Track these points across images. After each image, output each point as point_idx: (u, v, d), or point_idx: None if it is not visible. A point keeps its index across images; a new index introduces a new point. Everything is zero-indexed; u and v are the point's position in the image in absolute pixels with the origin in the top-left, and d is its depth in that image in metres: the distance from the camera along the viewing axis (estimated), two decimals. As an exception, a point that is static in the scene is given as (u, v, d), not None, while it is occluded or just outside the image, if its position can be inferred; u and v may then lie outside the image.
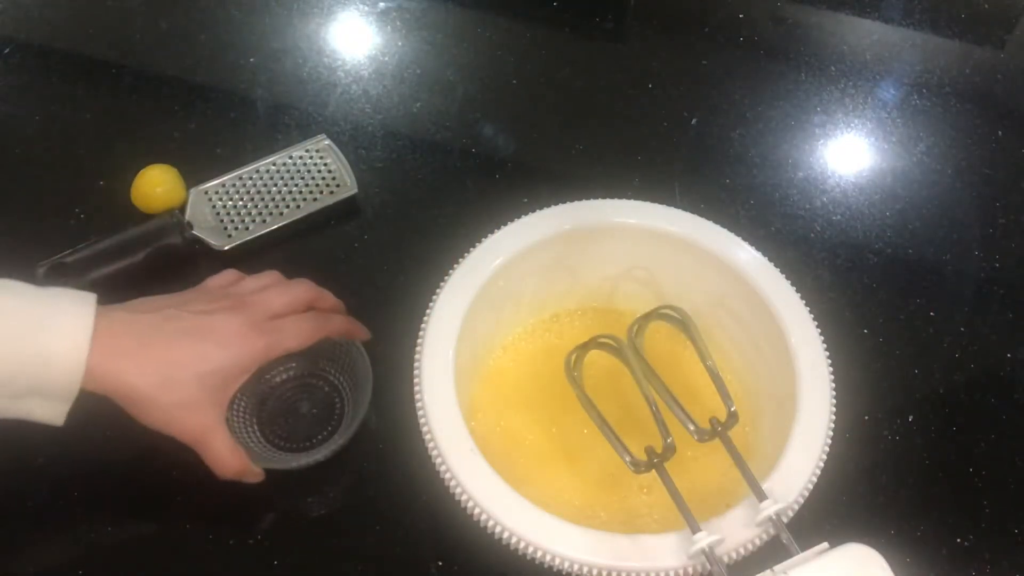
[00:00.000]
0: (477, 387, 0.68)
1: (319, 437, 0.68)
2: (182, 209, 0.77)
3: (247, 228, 0.77)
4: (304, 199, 0.79)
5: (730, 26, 1.01)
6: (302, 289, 0.64)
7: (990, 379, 0.75)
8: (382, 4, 1.01)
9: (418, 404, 0.58)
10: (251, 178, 0.80)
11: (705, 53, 0.99)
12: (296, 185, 0.80)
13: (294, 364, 0.70)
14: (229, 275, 0.65)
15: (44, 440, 0.68)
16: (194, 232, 0.76)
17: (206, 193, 0.78)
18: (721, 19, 1.02)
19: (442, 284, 0.63)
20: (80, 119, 0.89)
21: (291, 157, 0.81)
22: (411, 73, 0.94)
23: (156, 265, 0.74)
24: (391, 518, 0.66)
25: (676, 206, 0.68)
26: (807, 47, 1.00)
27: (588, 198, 0.68)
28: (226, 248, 0.76)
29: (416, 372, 0.59)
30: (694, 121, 0.92)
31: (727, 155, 0.89)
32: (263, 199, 0.79)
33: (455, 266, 0.64)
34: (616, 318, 0.73)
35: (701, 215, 0.67)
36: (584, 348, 0.61)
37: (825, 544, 0.50)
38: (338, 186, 0.80)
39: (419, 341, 0.61)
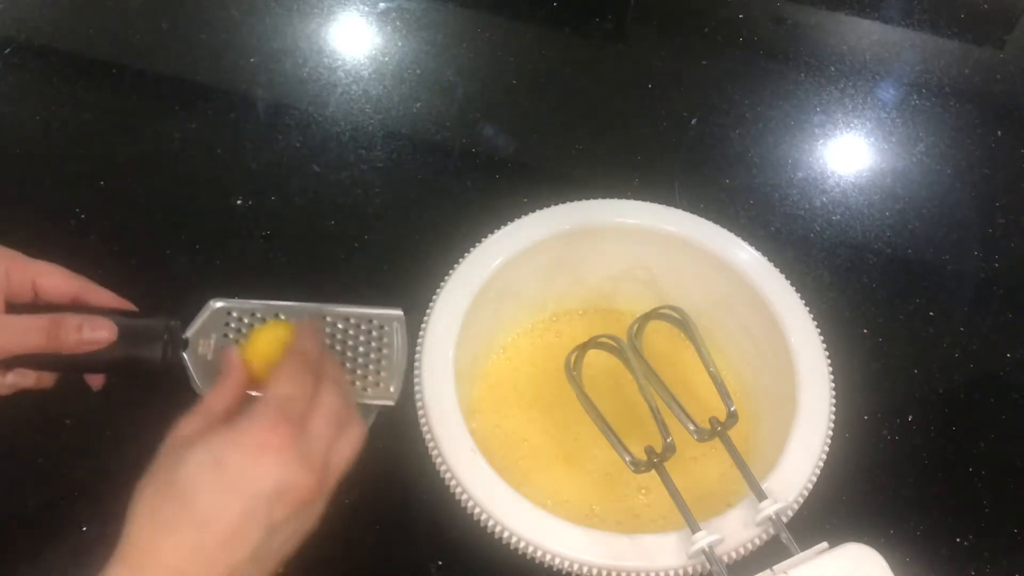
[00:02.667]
0: (477, 387, 0.68)
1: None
2: (183, 320, 0.56)
3: None
4: None
5: (730, 26, 1.01)
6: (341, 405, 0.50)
7: (990, 379, 0.75)
8: (382, 4, 1.01)
9: (418, 404, 0.58)
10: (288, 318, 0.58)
11: (705, 53, 0.99)
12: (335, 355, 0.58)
13: None
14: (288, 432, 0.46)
15: (44, 440, 0.69)
16: (183, 355, 0.55)
17: (229, 314, 0.57)
18: (721, 19, 1.02)
19: (442, 284, 0.63)
20: (80, 119, 0.88)
21: (348, 320, 0.59)
22: (411, 73, 0.94)
23: (111, 369, 0.56)
24: (391, 518, 0.66)
25: (676, 206, 0.68)
26: (807, 47, 1.00)
27: (588, 198, 0.68)
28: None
29: (416, 372, 0.59)
30: (694, 121, 0.92)
31: (727, 155, 0.89)
32: None
33: (455, 266, 0.64)
34: (616, 318, 0.73)
35: (701, 215, 0.67)
36: (584, 348, 0.61)
37: (825, 544, 0.50)
38: (378, 385, 0.58)
39: (419, 341, 0.61)
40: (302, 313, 0.58)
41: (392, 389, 0.57)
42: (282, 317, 0.58)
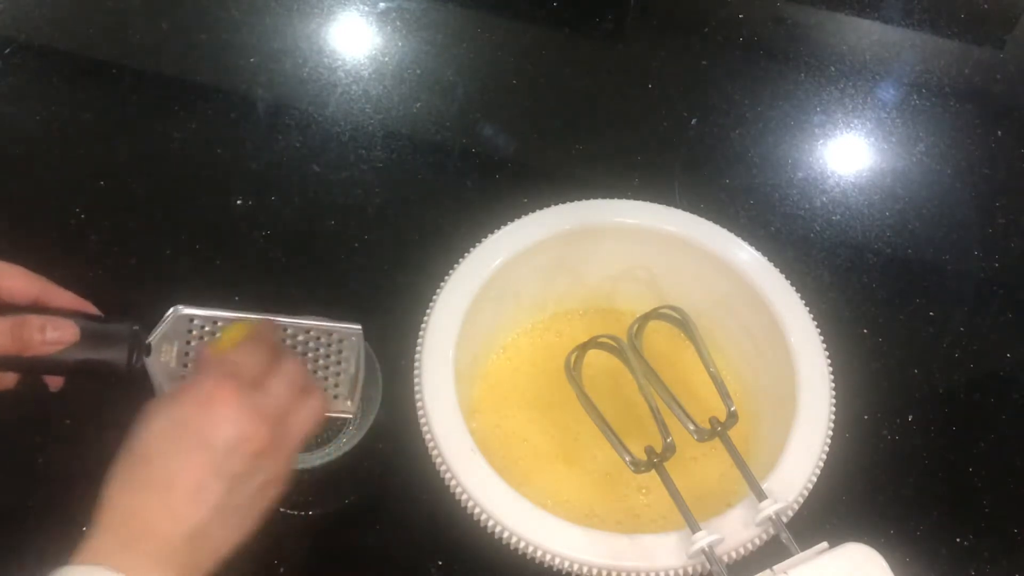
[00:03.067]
0: (477, 387, 0.68)
1: (323, 436, 0.68)
2: (147, 326, 0.56)
3: None
4: None
5: (730, 26, 1.01)
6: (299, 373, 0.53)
7: (990, 379, 0.75)
8: (382, 4, 1.01)
9: (418, 404, 0.58)
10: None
11: (705, 53, 0.99)
12: None
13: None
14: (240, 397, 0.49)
15: (44, 440, 0.69)
16: (145, 361, 0.55)
17: (191, 320, 0.57)
18: (721, 19, 1.02)
19: (442, 284, 0.63)
20: (80, 119, 0.88)
21: (308, 332, 0.59)
22: (411, 73, 0.94)
23: (76, 372, 0.55)
24: (391, 518, 0.66)
25: (676, 206, 0.68)
26: (807, 47, 1.00)
27: (588, 198, 0.68)
28: None
29: (416, 372, 0.59)
30: (694, 121, 0.92)
31: (727, 155, 0.89)
32: None
33: (455, 266, 0.64)
34: (616, 318, 0.73)
35: (701, 215, 0.67)
36: (584, 348, 0.61)
37: (825, 544, 0.50)
38: (336, 398, 0.59)
39: (419, 341, 0.61)
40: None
41: (349, 402, 0.59)
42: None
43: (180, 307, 0.57)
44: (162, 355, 0.56)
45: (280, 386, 0.50)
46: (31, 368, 0.54)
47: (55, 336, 0.52)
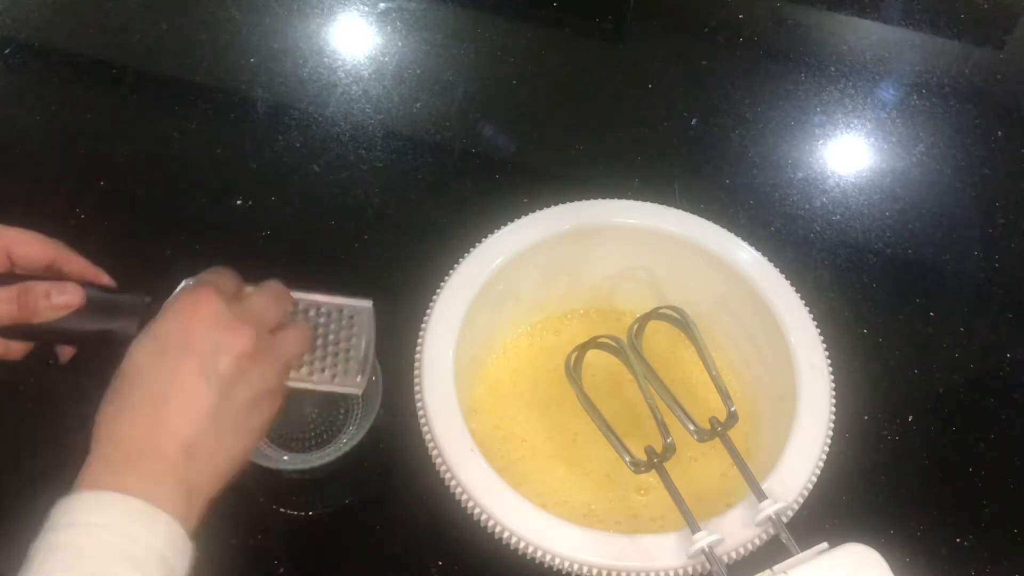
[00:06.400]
0: (477, 387, 0.68)
1: (323, 437, 0.68)
2: (156, 295, 0.55)
3: None
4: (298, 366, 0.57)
5: (730, 26, 1.01)
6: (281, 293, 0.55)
7: (990, 379, 0.75)
8: (382, 4, 1.01)
9: (418, 404, 0.58)
10: None
11: (705, 53, 0.99)
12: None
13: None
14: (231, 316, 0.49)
15: (44, 440, 0.69)
16: None
17: None
18: (721, 19, 1.02)
19: (442, 284, 0.63)
20: (80, 119, 0.88)
21: (319, 307, 0.59)
22: (411, 73, 0.94)
23: (91, 344, 0.55)
24: (391, 518, 0.66)
25: (676, 206, 0.68)
26: (807, 47, 1.00)
27: (588, 198, 0.68)
28: None
29: (416, 372, 0.59)
30: (694, 121, 0.92)
31: (727, 155, 0.89)
32: None
33: (455, 266, 0.64)
34: (616, 318, 0.73)
35: (701, 215, 0.67)
36: (584, 348, 0.61)
37: (825, 544, 0.50)
38: (346, 374, 0.57)
39: (419, 341, 0.61)
40: None
41: (359, 379, 0.58)
42: None
43: (190, 280, 0.56)
44: None
45: (259, 297, 0.50)
46: (41, 335, 0.54)
47: (61, 300, 0.52)
